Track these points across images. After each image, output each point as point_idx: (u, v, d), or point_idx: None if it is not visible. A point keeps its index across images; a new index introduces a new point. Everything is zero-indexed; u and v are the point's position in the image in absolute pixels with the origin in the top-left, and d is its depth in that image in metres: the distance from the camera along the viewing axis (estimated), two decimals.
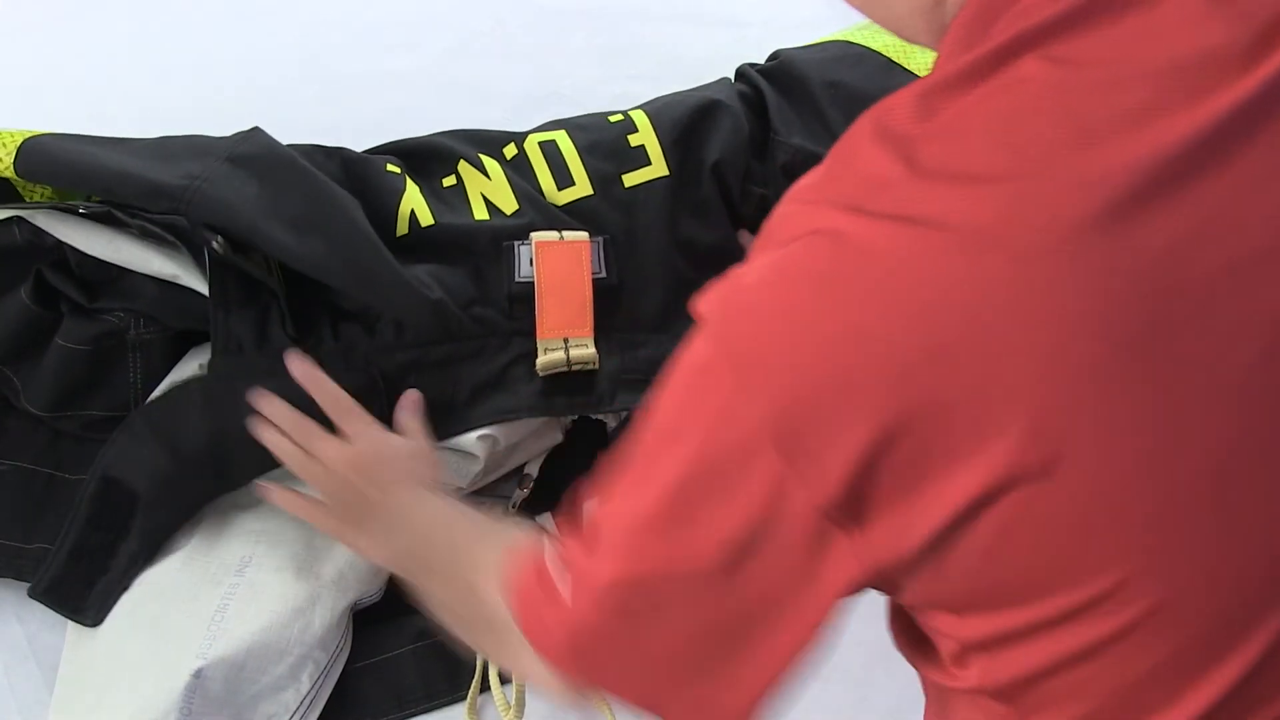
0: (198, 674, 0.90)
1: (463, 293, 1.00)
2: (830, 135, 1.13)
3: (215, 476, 0.97)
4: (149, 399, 0.98)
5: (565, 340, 0.99)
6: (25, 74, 1.50)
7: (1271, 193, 0.53)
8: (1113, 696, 0.57)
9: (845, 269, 0.54)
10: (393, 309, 0.97)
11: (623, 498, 0.62)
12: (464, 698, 0.98)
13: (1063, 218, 0.51)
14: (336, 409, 0.92)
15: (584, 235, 1.03)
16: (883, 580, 0.58)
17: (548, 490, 1.07)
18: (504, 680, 0.98)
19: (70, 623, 0.97)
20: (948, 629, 0.60)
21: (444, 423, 0.97)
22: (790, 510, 0.55)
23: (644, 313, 1.03)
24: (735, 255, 1.05)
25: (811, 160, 1.10)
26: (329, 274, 0.95)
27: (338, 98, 1.48)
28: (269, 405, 0.92)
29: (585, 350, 0.98)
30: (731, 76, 1.23)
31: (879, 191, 0.55)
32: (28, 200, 1.02)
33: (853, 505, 0.54)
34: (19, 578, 1.00)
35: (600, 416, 1.07)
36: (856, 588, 0.57)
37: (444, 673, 0.99)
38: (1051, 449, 0.52)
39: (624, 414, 1.08)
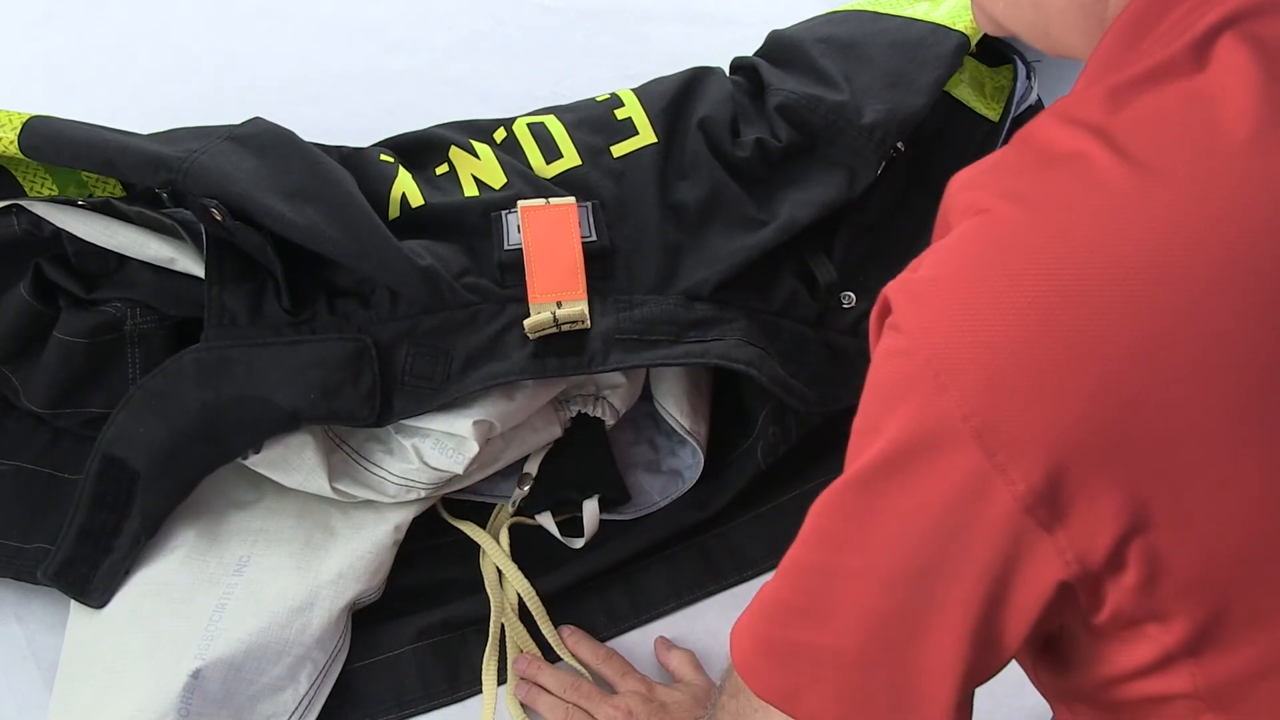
0: (196, 674, 0.90)
1: (455, 264, 1.00)
2: (825, 82, 1.13)
3: (211, 446, 0.97)
4: (147, 375, 0.98)
5: (557, 303, 0.99)
6: (24, 74, 1.50)
7: None
8: None
9: (1022, 242, 0.52)
10: (387, 276, 0.98)
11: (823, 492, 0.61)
12: (464, 697, 0.98)
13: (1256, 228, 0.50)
14: (609, 668, 0.96)
15: (570, 199, 1.04)
16: (1088, 588, 0.55)
17: (547, 489, 1.07)
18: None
19: (69, 623, 0.97)
20: (1154, 635, 0.56)
21: (437, 392, 0.98)
22: (991, 507, 0.53)
23: (640, 276, 1.03)
24: (727, 204, 1.06)
25: (805, 100, 1.12)
26: (324, 242, 0.96)
27: (338, 98, 1.48)
28: (542, 674, 0.95)
29: (574, 309, 0.98)
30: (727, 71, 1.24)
31: (1068, 171, 0.53)
32: (29, 194, 1.02)
33: (1056, 497, 0.52)
34: (19, 578, 1.00)
35: (599, 414, 1.07)
36: (1061, 594, 0.55)
37: (444, 673, 0.99)
38: None
39: (622, 412, 1.08)
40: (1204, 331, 0.50)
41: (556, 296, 0.99)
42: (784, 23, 1.27)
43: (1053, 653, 0.65)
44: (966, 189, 0.58)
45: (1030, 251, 0.52)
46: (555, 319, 0.98)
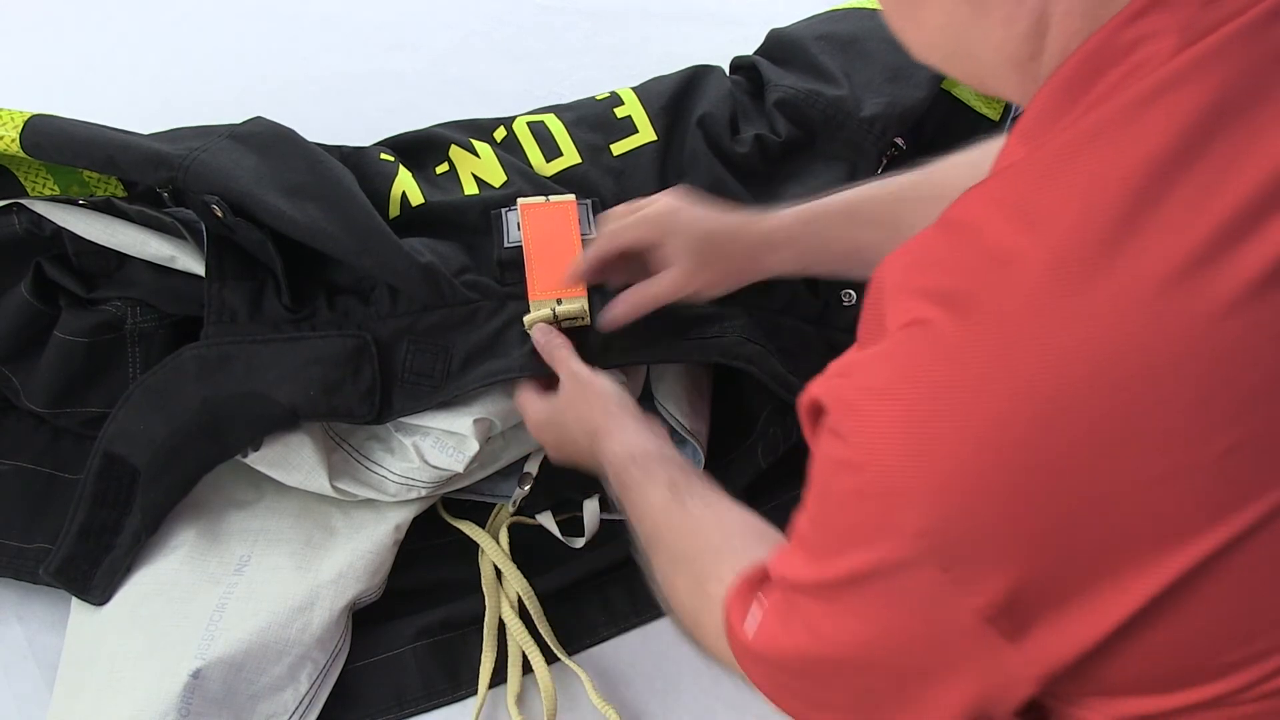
0: (196, 674, 0.90)
1: (455, 261, 1.01)
2: (824, 78, 1.14)
3: (210, 443, 0.97)
4: (147, 372, 0.99)
5: (557, 300, 0.99)
6: (23, 74, 1.50)
7: None
8: None
9: (975, 367, 0.51)
10: (387, 273, 0.98)
11: (793, 570, 0.62)
12: (463, 697, 0.98)
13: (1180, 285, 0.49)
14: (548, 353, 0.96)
15: (570, 197, 1.04)
16: (1051, 689, 0.55)
17: (548, 489, 1.07)
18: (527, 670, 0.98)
19: (70, 623, 0.97)
20: (1096, 707, 0.57)
21: (436, 389, 0.98)
22: (954, 624, 0.54)
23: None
24: (726, 201, 1.06)
25: (804, 95, 1.13)
26: (324, 239, 0.96)
27: (338, 98, 1.48)
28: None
29: (574, 305, 0.98)
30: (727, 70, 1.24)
31: (998, 275, 0.52)
32: (31, 194, 1.02)
33: (1017, 609, 0.52)
34: (19, 578, 1.00)
35: None
36: (1025, 699, 0.55)
37: (444, 672, 0.99)
38: (1249, 514, 0.50)
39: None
40: (1154, 433, 0.50)
41: (556, 294, 0.99)
42: (784, 22, 1.28)
43: None
44: (900, 292, 0.56)
45: (971, 368, 0.52)
46: (555, 315, 0.98)
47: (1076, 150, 0.53)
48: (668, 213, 0.95)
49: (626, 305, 0.97)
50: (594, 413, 0.92)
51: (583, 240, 1.01)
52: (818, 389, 0.58)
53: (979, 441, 0.51)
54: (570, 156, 1.10)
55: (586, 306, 0.99)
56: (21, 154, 0.97)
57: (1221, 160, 0.50)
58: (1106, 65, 0.53)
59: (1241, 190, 0.50)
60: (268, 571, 0.97)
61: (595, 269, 0.98)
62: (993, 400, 0.51)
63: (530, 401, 0.97)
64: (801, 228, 0.95)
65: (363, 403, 0.97)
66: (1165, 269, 0.49)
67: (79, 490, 0.97)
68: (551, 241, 1.01)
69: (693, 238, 0.94)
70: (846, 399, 0.56)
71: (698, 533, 0.80)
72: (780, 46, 1.21)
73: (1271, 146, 0.50)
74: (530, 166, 1.10)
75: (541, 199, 1.04)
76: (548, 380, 0.98)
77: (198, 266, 0.99)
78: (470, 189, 1.09)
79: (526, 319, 0.98)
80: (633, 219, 0.96)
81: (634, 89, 1.16)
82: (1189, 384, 0.49)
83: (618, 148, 1.10)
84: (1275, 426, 0.50)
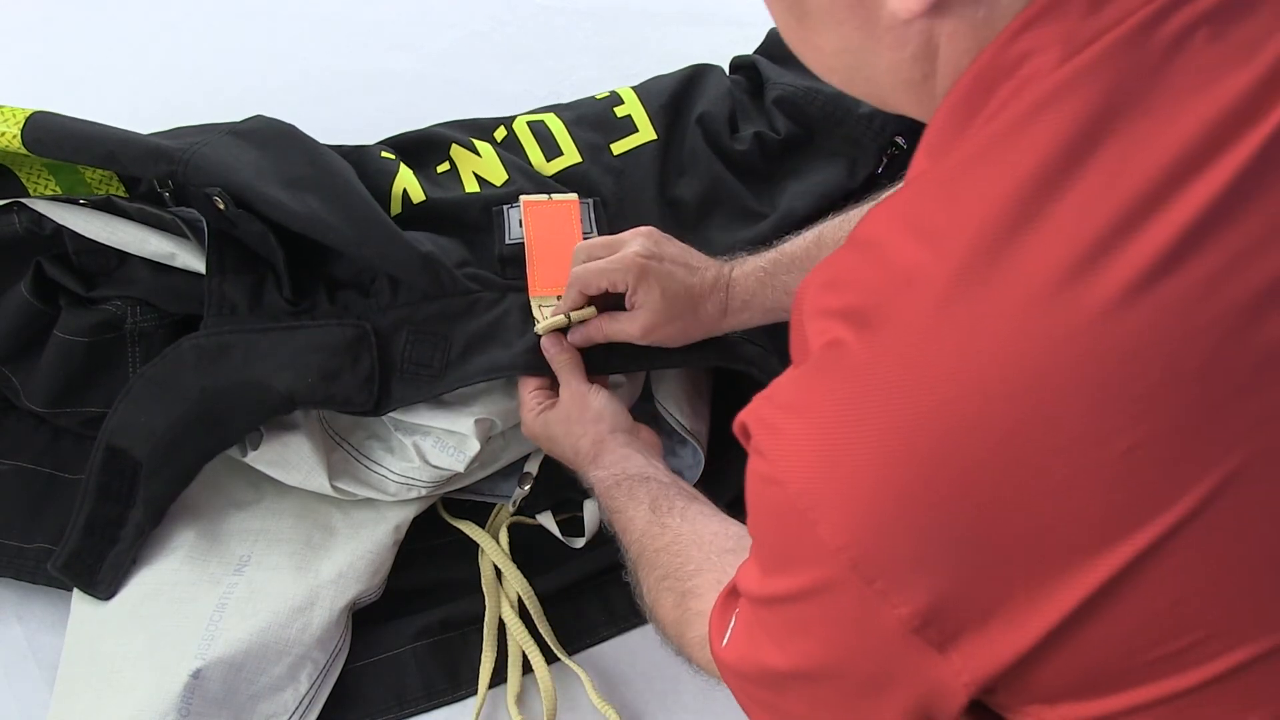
0: (196, 674, 0.90)
1: (455, 254, 1.01)
2: None
3: (210, 433, 0.97)
4: (147, 364, 0.99)
5: (558, 297, 1.00)
6: (21, 74, 1.50)
7: None
8: None
9: (881, 388, 0.52)
10: (387, 263, 0.98)
11: (749, 583, 0.63)
12: (463, 697, 0.98)
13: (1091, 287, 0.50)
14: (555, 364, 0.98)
15: (573, 196, 1.05)
16: (987, 696, 0.56)
17: (548, 489, 1.07)
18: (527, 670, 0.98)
19: (70, 623, 0.97)
20: (1034, 714, 0.57)
21: (435, 379, 0.98)
22: (881, 633, 0.54)
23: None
24: (725, 199, 1.06)
25: (802, 92, 1.14)
26: (324, 230, 0.96)
27: (338, 98, 1.49)
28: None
29: (586, 310, 0.99)
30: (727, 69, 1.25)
31: (902, 291, 0.53)
32: (32, 194, 1.03)
33: (944, 623, 0.53)
34: (19, 578, 1.00)
35: None
36: (963, 707, 0.56)
37: (444, 672, 0.99)
38: (1164, 522, 0.50)
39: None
40: (1055, 438, 0.50)
41: (558, 291, 1.00)
42: None
43: None
44: (815, 314, 0.57)
45: (878, 384, 0.52)
46: (569, 321, 0.98)
47: (970, 165, 0.53)
48: (642, 263, 0.96)
49: (583, 336, 0.99)
50: (586, 437, 0.95)
51: (585, 238, 1.02)
52: (744, 412, 0.59)
53: (886, 456, 0.52)
54: (570, 156, 1.10)
55: (594, 309, 0.99)
56: (23, 151, 0.97)
57: (1107, 165, 0.51)
58: (997, 81, 0.54)
59: (1126, 192, 0.50)
60: (268, 571, 0.97)
61: (575, 306, 0.99)
62: (897, 415, 0.51)
63: (529, 404, 0.99)
64: (759, 287, 0.98)
65: (361, 391, 0.97)
66: (1053, 273, 0.50)
67: (83, 485, 0.97)
68: (553, 239, 1.02)
69: (664, 293, 0.96)
70: (765, 418, 0.57)
71: (678, 550, 0.82)
72: (780, 45, 1.21)
73: (1154, 151, 0.51)
74: (531, 166, 1.11)
75: (544, 197, 1.04)
76: (550, 380, 0.99)
77: (198, 264, 0.99)
78: (471, 187, 1.09)
79: (539, 327, 0.98)
80: (606, 264, 0.97)
81: (634, 88, 1.17)
82: (1085, 386, 0.49)
83: (618, 147, 1.11)
84: (1176, 424, 0.50)
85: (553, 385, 1.00)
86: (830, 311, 0.56)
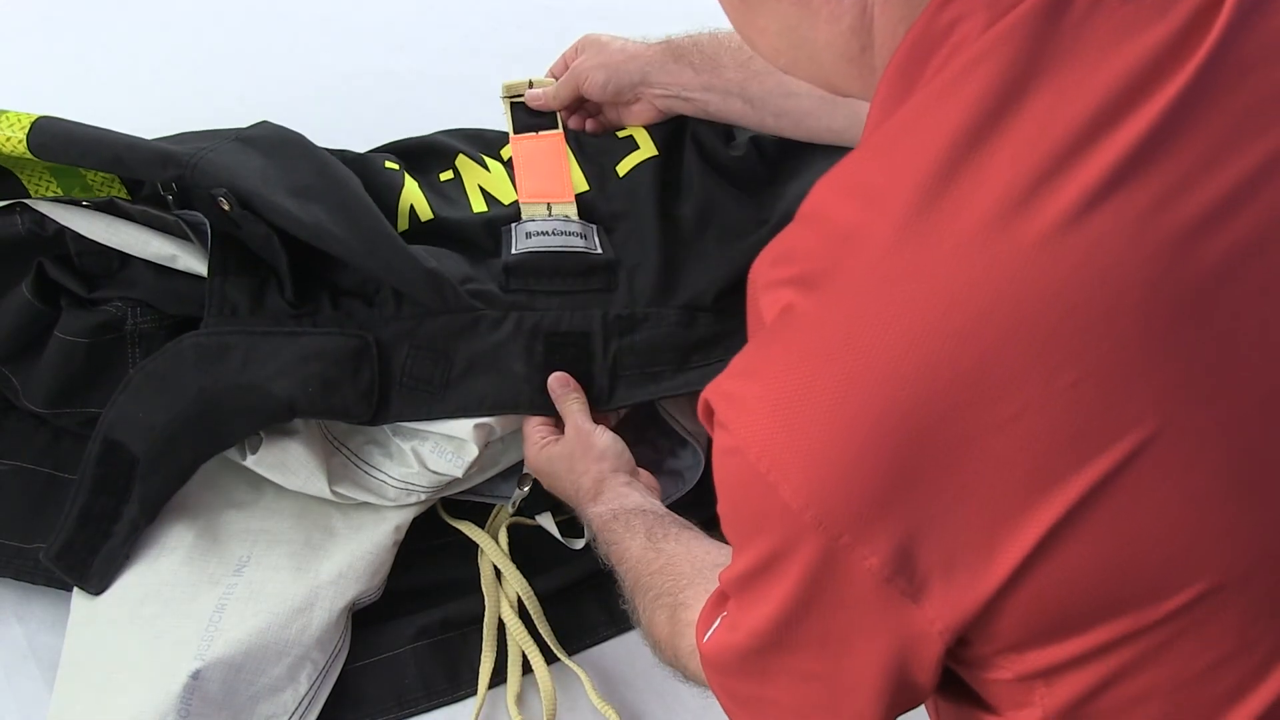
0: (196, 675, 0.90)
1: (459, 271, 1.01)
2: None
3: (207, 433, 0.97)
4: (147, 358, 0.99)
5: (548, 205, 1.01)
6: (20, 77, 1.50)
7: (1228, 166, 0.53)
8: (1169, 708, 0.57)
9: (833, 346, 0.53)
10: (391, 276, 0.98)
11: (727, 574, 0.64)
12: (464, 697, 0.98)
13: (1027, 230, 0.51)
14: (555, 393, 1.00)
15: (558, 130, 1.13)
16: (963, 640, 0.57)
17: (546, 489, 1.07)
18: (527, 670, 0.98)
19: (70, 623, 0.97)
20: (1005, 665, 0.58)
21: (435, 397, 0.98)
22: (853, 587, 0.55)
23: (641, 288, 1.04)
24: (722, 212, 1.07)
25: None
26: (329, 240, 0.96)
27: (338, 98, 1.49)
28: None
29: (565, 209, 1.02)
30: None
31: (840, 256, 0.55)
32: (34, 196, 1.03)
33: (912, 571, 0.54)
34: (19, 578, 1.00)
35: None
36: (939, 655, 0.56)
37: (444, 672, 0.99)
38: (1112, 457, 0.51)
39: (622, 413, 1.09)
40: (1001, 375, 0.51)
41: (545, 199, 1.02)
42: None
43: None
44: (767, 288, 0.59)
45: (826, 341, 0.54)
46: (549, 212, 1.01)
47: (904, 128, 0.55)
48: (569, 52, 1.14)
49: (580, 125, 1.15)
50: (588, 475, 0.96)
51: (588, 256, 1.04)
52: (706, 391, 0.60)
53: (839, 410, 0.53)
54: (579, 183, 1.11)
55: (576, 211, 1.02)
56: (28, 155, 0.97)
57: (1035, 113, 0.53)
58: (930, 49, 0.56)
59: (1056, 135, 0.52)
60: (267, 572, 0.97)
61: (566, 105, 1.12)
62: (848, 369, 0.53)
63: (534, 439, 1.00)
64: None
65: (360, 402, 0.97)
66: (986, 215, 0.52)
67: (79, 476, 0.97)
68: (540, 159, 1.04)
69: (598, 40, 1.15)
70: (724, 390, 0.58)
71: (671, 570, 0.84)
72: None
73: (1081, 96, 0.53)
74: None
75: (524, 81, 1.12)
76: (556, 418, 1.01)
77: (200, 266, 0.99)
78: (478, 204, 1.09)
79: (525, 208, 1.04)
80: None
81: None
82: (1027, 322, 0.51)
83: (622, 167, 1.11)
84: (1119, 357, 0.51)
85: (557, 421, 1.01)
86: (780, 282, 0.57)
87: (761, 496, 0.55)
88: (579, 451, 0.97)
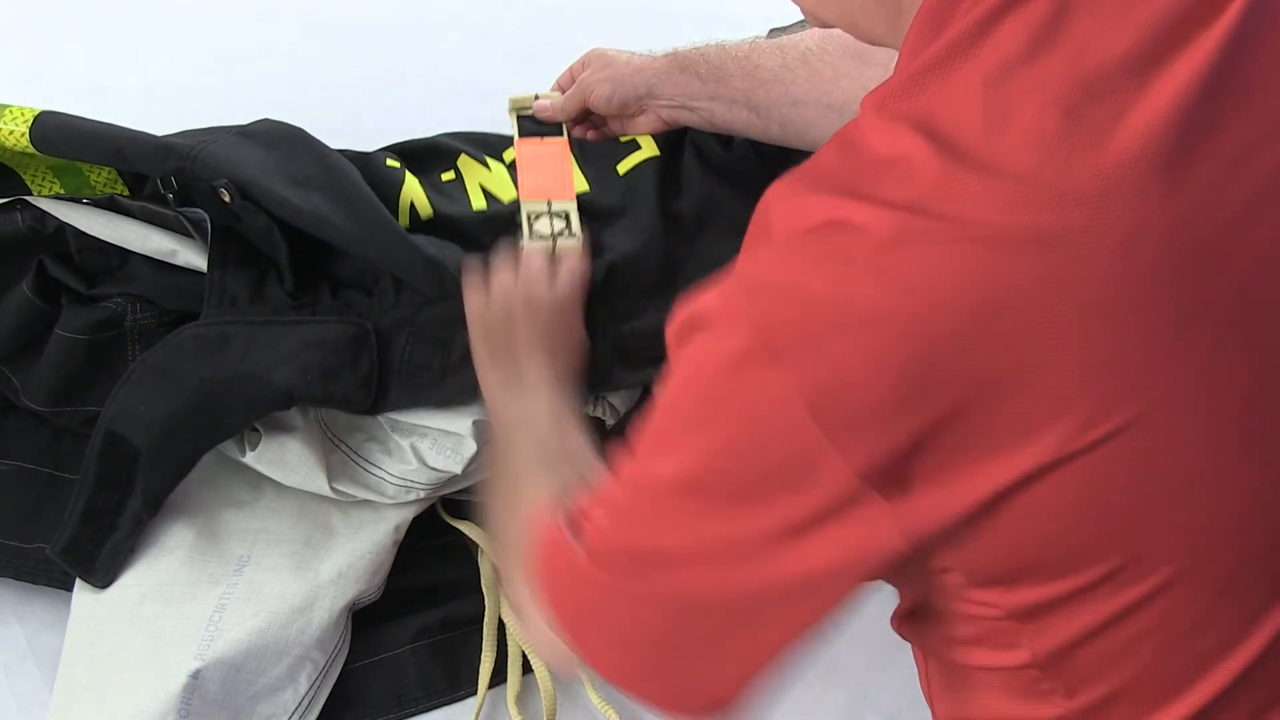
0: (195, 675, 0.90)
1: (458, 259, 1.01)
2: None
3: (208, 424, 0.97)
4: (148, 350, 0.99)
5: (548, 202, 1.01)
6: (21, 76, 1.50)
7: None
8: (1155, 660, 0.58)
9: (871, 259, 0.54)
10: (391, 264, 0.98)
11: (647, 464, 0.62)
12: (464, 697, 0.98)
13: (1083, 194, 0.52)
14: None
15: (563, 138, 1.12)
16: (921, 553, 0.57)
17: None
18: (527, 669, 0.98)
19: (70, 623, 0.97)
20: (993, 601, 0.60)
21: (435, 384, 0.98)
22: (826, 477, 0.55)
23: (639, 282, 1.04)
24: (720, 211, 1.07)
25: None
26: (329, 229, 0.97)
27: (338, 98, 1.49)
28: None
29: (565, 206, 1.01)
30: None
31: (891, 177, 0.55)
32: (35, 194, 1.03)
33: (894, 474, 0.55)
34: (19, 578, 1.00)
35: (598, 414, 1.07)
36: (894, 558, 0.57)
37: (444, 672, 0.99)
38: (1117, 418, 0.53)
39: (622, 411, 1.09)
40: (1011, 329, 0.53)
41: (546, 196, 1.02)
42: (784, 21, 1.28)
43: (908, 602, 0.69)
44: (797, 198, 0.58)
45: (872, 258, 0.54)
46: (549, 212, 1.00)
47: (941, 64, 0.56)
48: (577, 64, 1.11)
49: (583, 136, 1.12)
50: (525, 337, 0.94)
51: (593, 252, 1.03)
52: (701, 302, 0.60)
53: (864, 320, 0.54)
54: (579, 183, 1.11)
55: (576, 210, 1.01)
56: (31, 150, 0.97)
57: (1070, 50, 0.54)
58: None
59: (1089, 77, 0.53)
60: (267, 572, 0.97)
61: (572, 117, 1.10)
62: (890, 281, 0.53)
63: (472, 297, 0.97)
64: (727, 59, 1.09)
65: (359, 390, 0.97)
66: (1026, 160, 0.53)
67: (82, 471, 0.97)
68: (545, 160, 1.04)
69: (606, 54, 1.12)
70: (737, 289, 0.58)
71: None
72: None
73: (1114, 40, 0.54)
74: None
75: (536, 138, 1.10)
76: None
77: (200, 261, 0.99)
78: (478, 201, 1.10)
79: (526, 208, 1.02)
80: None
81: None
82: (1087, 261, 0.52)
83: (623, 166, 1.12)
84: (1128, 341, 0.53)
85: None
86: (818, 191, 0.57)
87: (753, 379, 0.55)
88: (520, 312, 0.95)
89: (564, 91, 1.14)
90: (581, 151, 1.15)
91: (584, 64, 1.14)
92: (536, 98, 1.14)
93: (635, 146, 1.14)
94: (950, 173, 0.53)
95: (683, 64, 1.10)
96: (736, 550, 0.59)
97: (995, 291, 0.52)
